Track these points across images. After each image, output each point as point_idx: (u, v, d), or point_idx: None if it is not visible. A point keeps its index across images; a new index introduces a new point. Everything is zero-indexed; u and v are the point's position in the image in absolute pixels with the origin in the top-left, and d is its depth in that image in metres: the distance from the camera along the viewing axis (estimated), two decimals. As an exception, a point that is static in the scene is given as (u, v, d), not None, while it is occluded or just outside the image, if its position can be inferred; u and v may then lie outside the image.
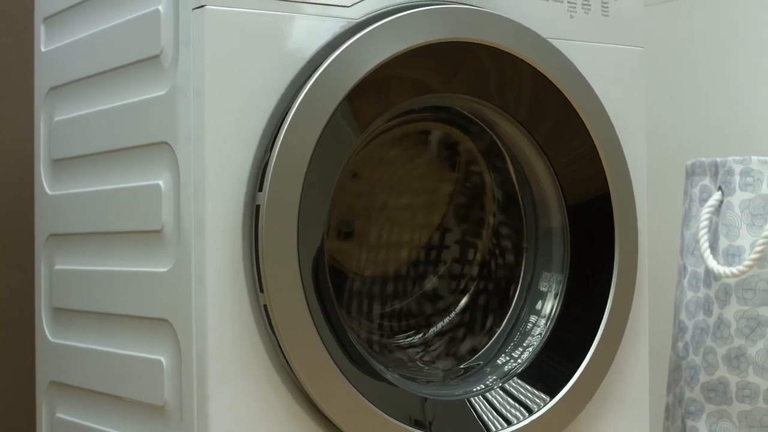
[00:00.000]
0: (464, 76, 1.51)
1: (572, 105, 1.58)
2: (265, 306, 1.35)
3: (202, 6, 1.33)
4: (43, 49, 1.72)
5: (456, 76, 1.51)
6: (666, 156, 2.47)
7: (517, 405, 1.54)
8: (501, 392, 1.54)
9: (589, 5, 1.63)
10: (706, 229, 1.99)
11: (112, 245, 1.56)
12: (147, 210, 1.45)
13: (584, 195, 1.62)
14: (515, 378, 1.56)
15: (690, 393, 2.02)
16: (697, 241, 2.00)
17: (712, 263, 1.94)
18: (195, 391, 1.36)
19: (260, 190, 1.35)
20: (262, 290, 1.34)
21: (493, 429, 1.50)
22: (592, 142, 1.59)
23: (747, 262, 1.89)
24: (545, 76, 1.55)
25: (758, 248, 1.89)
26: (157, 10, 1.40)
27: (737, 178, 1.98)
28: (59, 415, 1.67)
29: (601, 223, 1.62)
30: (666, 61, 2.47)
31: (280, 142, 1.35)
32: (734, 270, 1.90)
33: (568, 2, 1.61)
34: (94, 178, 1.60)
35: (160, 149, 1.42)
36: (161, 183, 1.41)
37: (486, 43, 1.51)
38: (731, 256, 1.97)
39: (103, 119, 1.56)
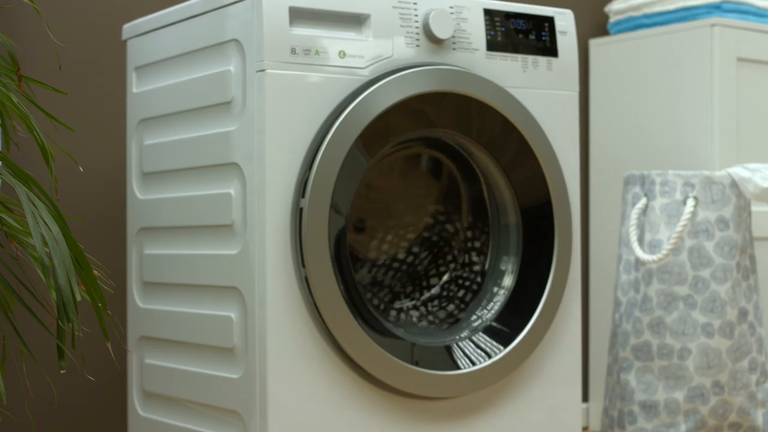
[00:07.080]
0: (448, 116, 1.74)
1: (525, 139, 1.81)
2: (306, 278, 1.64)
3: (263, 70, 1.64)
4: (135, 91, 1.96)
5: (442, 117, 1.74)
6: (611, 170, 2.66)
7: (480, 351, 1.77)
8: (470, 342, 1.78)
9: (537, 63, 1.87)
10: (635, 227, 2.25)
11: (192, 235, 1.80)
12: (221, 210, 1.72)
13: (533, 201, 1.84)
14: (480, 332, 1.79)
15: (623, 353, 2.26)
16: (629, 236, 2.27)
17: (639, 252, 2.21)
18: (257, 337, 1.65)
19: (303, 197, 1.64)
20: (304, 266, 1.64)
21: (462, 367, 1.74)
22: (539, 164, 1.83)
23: (664, 251, 2.18)
24: (506, 118, 1.79)
25: (672, 241, 2.19)
26: (229, 70, 1.71)
27: (658, 187, 2.23)
28: (147, 360, 1.93)
29: (544, 221, 1.84)
30: (614, 98, 2.64)
31: (317, 164, 1.64)
32: (655, 257, 2.18)
33: (522, 61, 1.86)
34: (177, 187, 1.84)
35: (231, 168, 1.71)
36: (232, 191, 1.70)
37: (464, 94, 1.76)
38: (653, 247, 2.23)
39: (186, 145, 1.81)
